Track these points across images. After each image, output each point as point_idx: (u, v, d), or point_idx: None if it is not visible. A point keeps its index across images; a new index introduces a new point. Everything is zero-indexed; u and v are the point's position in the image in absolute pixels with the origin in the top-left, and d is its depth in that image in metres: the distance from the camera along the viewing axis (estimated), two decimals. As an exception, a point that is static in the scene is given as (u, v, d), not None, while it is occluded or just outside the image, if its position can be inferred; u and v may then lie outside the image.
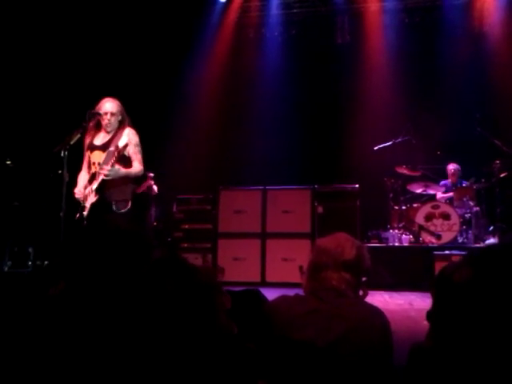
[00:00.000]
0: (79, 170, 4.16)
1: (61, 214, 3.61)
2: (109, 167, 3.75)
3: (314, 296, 1.85)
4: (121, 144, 3.80)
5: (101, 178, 3.84)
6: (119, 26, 7.73)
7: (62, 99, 7.32)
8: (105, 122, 3.98)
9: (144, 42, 8.08)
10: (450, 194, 7.26)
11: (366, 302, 1.96)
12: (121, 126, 4.03)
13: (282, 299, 1.89)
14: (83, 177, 4.11)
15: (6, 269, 6.20)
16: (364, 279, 2.02)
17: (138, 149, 4.00)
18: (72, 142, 3.76)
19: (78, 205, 3.98)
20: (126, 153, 3.89)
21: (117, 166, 3.80)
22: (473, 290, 0.68)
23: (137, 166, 3.98)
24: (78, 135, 3.84)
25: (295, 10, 8.87)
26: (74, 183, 4.05)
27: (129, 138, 3.93)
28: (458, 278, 1.13)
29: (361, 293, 2.08)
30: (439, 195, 7.37)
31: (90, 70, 7.66)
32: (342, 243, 1.91)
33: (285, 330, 1.77)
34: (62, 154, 3.68)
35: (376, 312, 1.86)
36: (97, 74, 7.62)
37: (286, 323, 1.78)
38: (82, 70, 7.64)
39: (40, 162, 6.34)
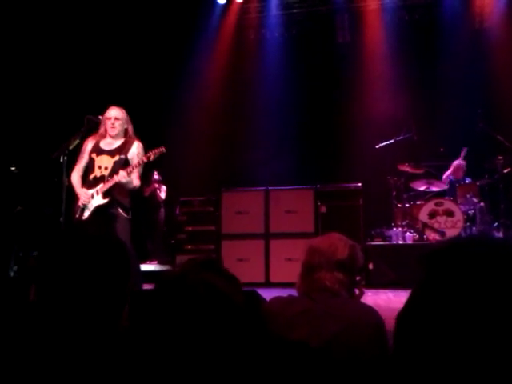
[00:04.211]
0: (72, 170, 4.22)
1: (61, 219, 3.65)
2: (125, 174, 3.94)
3: (307, 296, 1.86)
4: (130, 155, 4.10)
5: (112, 181, 3.99)
6: (118, 30, 7.76)
7: (64, 105, 7.37)
8: (109, 126, 4.14)
9: (144, 45, 8.11)
10: (454, 163, 7.17)
11: (359, 302, 1.97)
12: (128, 136, 4.22)
13: (275, 300, 1.90)
14: (77, 179, 4.19)
15: (12, 274, 6.24)
16: (358, 278, 2.03)
17: (140, 168, 4.17)
18: (71, 148, 3.83)
19: (74, 205, 4.06)
20: (130, 162, 4.13)
21: (131, 178, 4.01)
22: (422, 296, 0.68)
23: (136, 181, 4.13)
24: (77, 140, 3.92)
25: (295, 11, 8.87)
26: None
27: (137, 151, 4.14)
28: None
29: (357, 292, 2.09)
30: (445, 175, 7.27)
31: (90, 75, 7.71)
32: (335, 243, 1.91)
33: (278, 331, 1.77)
34: (62, 160, 3.74)
35: (370, 311, 1.86)
36: (96, 78, 7.67)
37: (280, 324, 1.78)
38: (82, 76, 7.68)
39: (44, 167, 6.39)
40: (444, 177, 7.33)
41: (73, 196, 4.08)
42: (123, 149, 4.13)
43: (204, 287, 0.90)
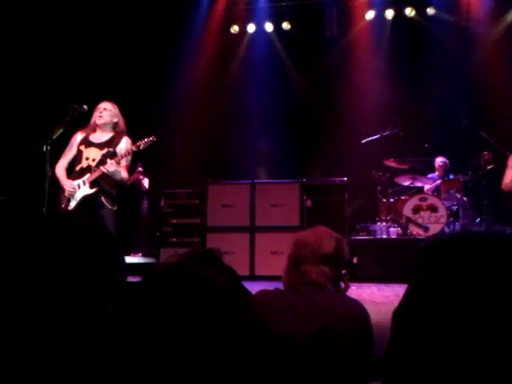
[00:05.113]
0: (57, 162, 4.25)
1: (43, 209, 3.61)
2: (114, 162, 3.97)
3: (293, 290, 1.85)
4: (118, 149, 4.13)
5: (100, 171, 4.01)
6: (105, 20, 7.65)
7: (47, 93, 7.25)
8: (97, 115, 4.18)
9: (131, 35, 7.98)
10: (437, 182, 7.26)
11: (345, 296, 1.97)
12: (118, 130, 4.26)
13: (261, 293, 1.89)
14: (62, 170, 4.21)
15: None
16: (344, 272, 2.03)
17: (129, 158, 4.21)
18: (54, 137, 3.78)
19: (60, 195, 4.04)
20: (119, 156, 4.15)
21: (119, 168, 4.04)
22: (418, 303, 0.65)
23: (124, 172, 4.17)
24: (61, 130, 3.89)
25: (284, 3, 8.83)
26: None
27: (126, 146, 4.16)
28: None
29: (342, 286, 2.09)
30: (427, 187, 7.38)
31: (75, 63, 7.59)
32: (321, 236, 1.91)
33: (264, 325, 1.77)
34: (45, 149, 3.70)
35: (355, 305, 1.86)
36: (82, 67, 7.56)
37: (266, 317, 1.78)
38: (67, 65, 7.56)
39: (26, 156, 6.29)
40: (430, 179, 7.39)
41: (57, 187, 4.06)
42: (112, 142, 4.17)
43: (197, 279, 0.88)
